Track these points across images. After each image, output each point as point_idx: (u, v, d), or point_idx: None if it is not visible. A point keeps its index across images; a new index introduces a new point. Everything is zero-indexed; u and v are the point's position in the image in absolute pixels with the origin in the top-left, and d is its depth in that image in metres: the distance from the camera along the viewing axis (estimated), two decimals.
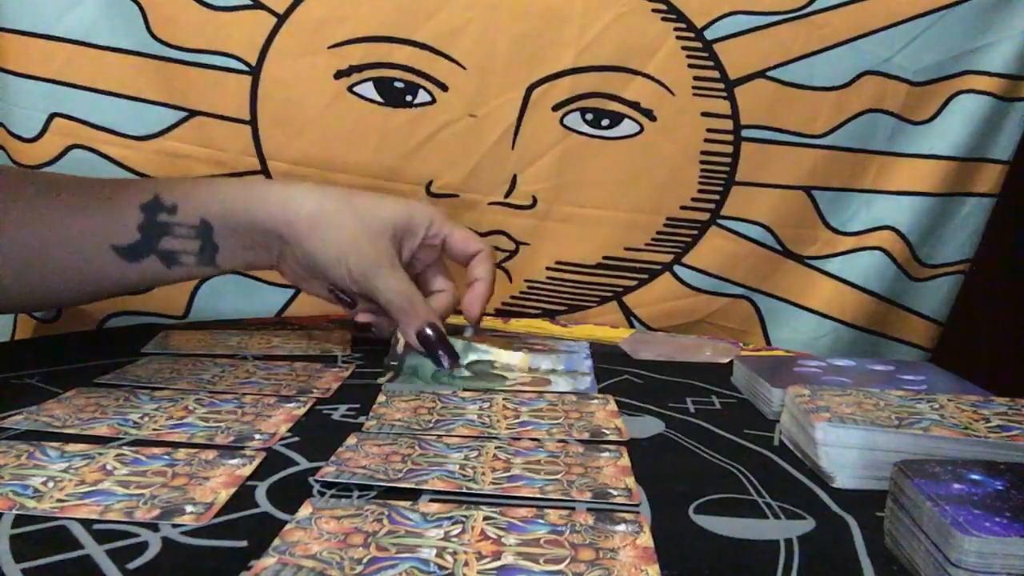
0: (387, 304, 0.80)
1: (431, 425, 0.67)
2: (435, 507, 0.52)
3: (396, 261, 0.80)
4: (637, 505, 0.54)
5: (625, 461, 0.60)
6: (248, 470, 0.57)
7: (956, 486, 0.46)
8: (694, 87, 1.02)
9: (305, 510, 0.51)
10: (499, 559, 0.46)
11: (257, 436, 0.63)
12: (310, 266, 0.80)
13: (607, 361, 0.89)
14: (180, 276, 0.82)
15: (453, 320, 0.87)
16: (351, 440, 0.62)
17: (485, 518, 0.50)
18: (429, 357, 0.82)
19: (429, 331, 0.81)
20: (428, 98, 1.01)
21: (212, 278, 1.03)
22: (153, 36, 0.96)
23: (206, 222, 0.78)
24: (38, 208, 0.76)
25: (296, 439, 0.63)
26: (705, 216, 1.07)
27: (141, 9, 0.95)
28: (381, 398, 0.73)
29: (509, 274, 1.08)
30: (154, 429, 0.63)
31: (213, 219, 0.78)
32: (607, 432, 0.66)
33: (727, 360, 0.91)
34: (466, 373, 0.82)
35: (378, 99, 1.00)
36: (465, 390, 0.77)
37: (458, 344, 0.84)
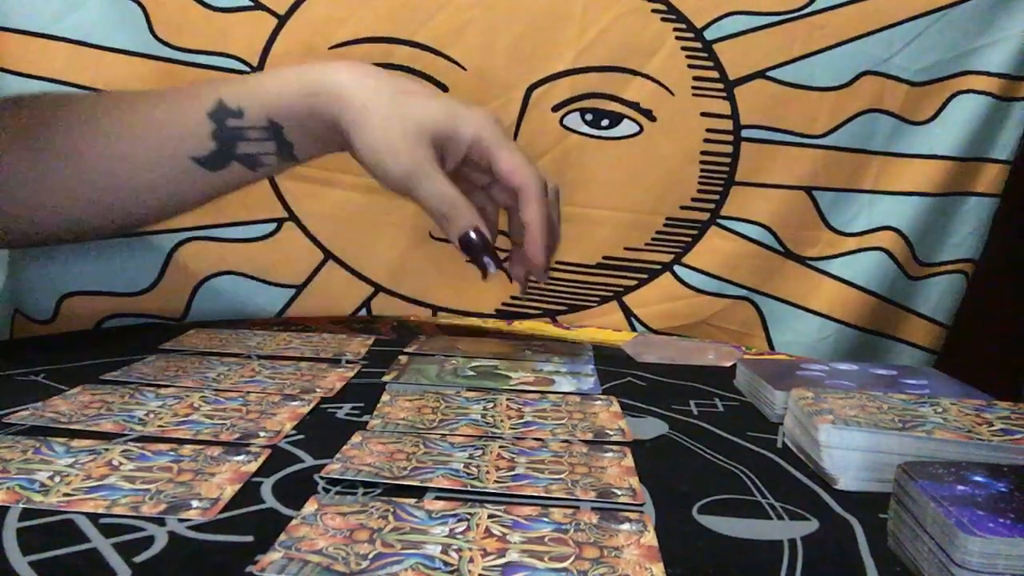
0: (428, 210, 0.77)
1: (435, 424, 0.67)
2: (440, 504, 0.52)
3: (435, 166, 0.75)
4: (641, 505, 0.54)
5: (629, 461, 0.60)
6: (253, 467, 0.57)
7: (960, 487, 0.46)
8: (694, 87, 1.03)
9: (311, 506, 0.51)
10: (504, 556, 0.46)
11: (262, 433, 0.63)
12: (362, 162, 0.77)
13: (610, 363, 0.89)
14: (267, 174, 0.84)
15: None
16: (356, 438, 0.63)
17: (490, 516, 0.51)
18: (473, 263, 0.78)
19: (473, 235, 0.77)
20: None
21: (217, 277, 1.04)
22: (155, 37, 0.95)
23: (274, 122, 0.77)
24: (107, 129, 0.77)
25: (301, 437, 0.63)
26: (705, 216, 1.07)
27: (143, 10, 0.95)
28: (385, 397, 0.74)
29: (509, 274, 1.08)
30: (159, 426, 0.63)
31: (280, 118, 0.77)
32: (611, 433, 0.66)
33: (730, 363, 0.91)
34: (470, 373, 0.82)
35: None
36: (469, 390, 0.77)
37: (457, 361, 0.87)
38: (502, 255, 0.81)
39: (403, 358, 0.87)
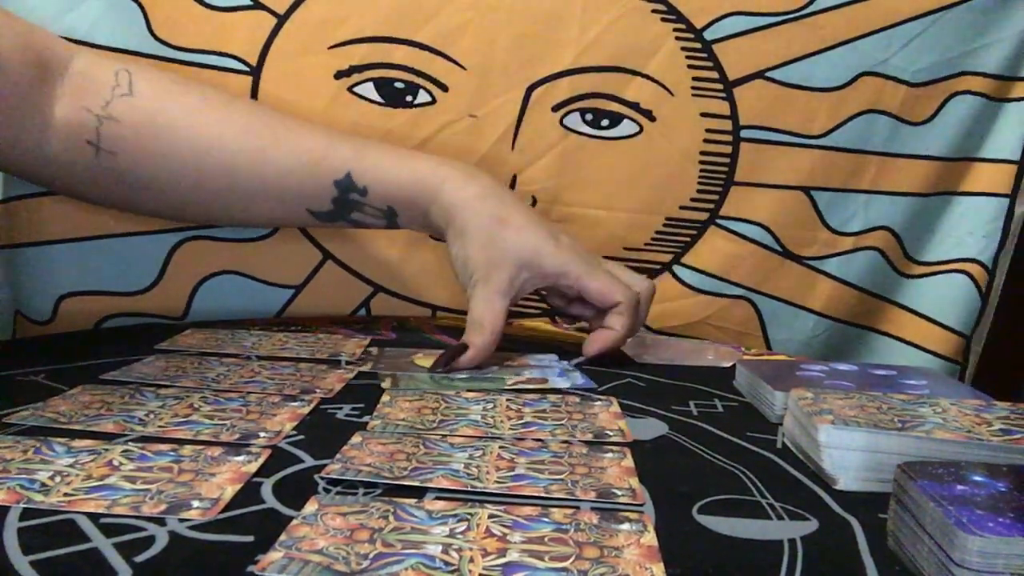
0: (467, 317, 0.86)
1: (435, 425, 0.67)
2: (440, 505, 0.52)
3: (497, 291, 0.85)
4: (641, 505, 0.54)
5: (629, 462, 0.60)
6: (254, 467, 0.57)
7: (959, 487, 0.47)
8: (693, 87, 1.03)
9: (311, 506, 0.51)
10: (504, 556, 0.46)
11: (262, 434, 0.63)
12: (450, 259, 0.88)
13: (610, 363, 0.89)
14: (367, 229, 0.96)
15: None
16: (356, 439, 0.63)
17: (490, 516, 0.51)
18: (441, 356, 0.85)
19: (457, 348, 0.85)
20: (428, 98, 1.01)
21: (217, 277, 1.04)
22: (154, 36, 0.95)
23: (392, 209, 0.89)
24: (240, 155, 0.87)
25: (301, 437, 0.63)
26: (704, 216, 1.07)
27: (142, 9, 0.95)
28: (385, 398, 0.74)
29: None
30: (160, 426, 0.64)
31: (398, 207, 0.89)
32: (611, 433, 0.67)
33: (729, 364, 0.91)
34: (464, 375, 0.82)
35: (378, 99, 1.00)
36: (468, 391, 0.77)
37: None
38: None
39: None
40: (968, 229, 1.08)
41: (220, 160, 0.86)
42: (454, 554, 0.46)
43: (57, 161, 0.83)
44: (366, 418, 0.68)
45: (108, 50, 0.94)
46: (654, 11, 0.99)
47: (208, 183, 0.87)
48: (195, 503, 0.51)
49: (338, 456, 0.59)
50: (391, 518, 0.50)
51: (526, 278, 0.86)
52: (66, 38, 0.91)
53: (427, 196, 0.87)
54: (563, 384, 0.80)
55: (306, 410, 0.69)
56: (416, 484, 0.55)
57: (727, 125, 1.04)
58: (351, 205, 0.88)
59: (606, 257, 1.05)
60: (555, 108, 1.02)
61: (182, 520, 0.49)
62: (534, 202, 1.04)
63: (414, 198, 0.88)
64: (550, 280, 0.87)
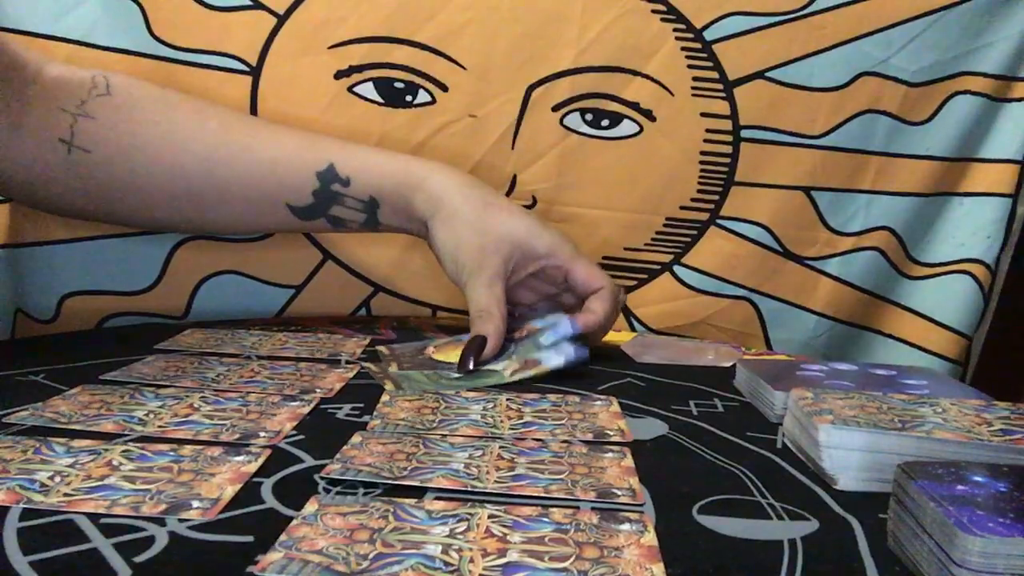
0: (469, 307, 0.86)
1: (435, 424, 0.67)
2: (440, 505, 0.52)
3: (495, 276, 0.86)
4: (641, 505, 0.54)
5: (629, 462, 0.60)
6: (254, 467, 0.57)
7: (959, 487, 0.47)
8: (693, 87, 1.03)
9: (311, 506, 0.51)
10: (504, 556, 0.46)
11: (262, 434, 0.63)
12: (435, 252, 0.89)
13: (610, 363, 0.89)
14: (342, 232, 0.96)
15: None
16: (356, 438, 0.63)
17: (490, 516, 0.51)
18: (462, 354, 0.84)
19: (477, 342, 0.84)
20: (428, 98, 1.01)
21: (218, 276, 1.04)
22: (154, 36, 0.95)
23: (374, 199, 0.88)
24: (220, 148, 0.86)
25: (301, 437, 0.63)
26: (704, 216, 1.07)
27: (142, 9, 0.95)
28: (385, 398, 0.73)
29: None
30: (159, 426, 0.63)
31: (380, 198, 0.88)
32: (611, 433, 0.66)
33: (729, 364, 0.91)
34: (455, 375, 0.82)
35: (378, 99, 1.00)
36: (469, 390, 0.77)
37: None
38: None
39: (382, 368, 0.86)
40: (971, 230, 1.08)
41: (198, 154, 0.85)
42: (454, 554, 0.46)
43: (24, 161, 0.82)
44: (366, 418, 0.68)
45: (108, 50, 0.94)
46: (654, 11, 0.99)
47: (183, 180, 0.86)
48: (195, 503, 0.51)
49: (338, 456, 0.59)
50: (391, 518, 0.50)
51: (518, 260, 0.87)
52: (65, 39, 0.91)
53: (412, 184, 0.87)
54: (557, 360, 0.81)
55: (306, 410, 0.69)
56: (416, 484, 0.55)
57: (727, 125, 1.04)
58: (332, 198, 0.88)
59: (605, 257, 1.06)
60: (555, 108, 1.02)
61: (182, 520, 0.49)
62: (534, 202, 1.04)
63: (398, 187, 0.87)
64: (540, 262, 0.88)
